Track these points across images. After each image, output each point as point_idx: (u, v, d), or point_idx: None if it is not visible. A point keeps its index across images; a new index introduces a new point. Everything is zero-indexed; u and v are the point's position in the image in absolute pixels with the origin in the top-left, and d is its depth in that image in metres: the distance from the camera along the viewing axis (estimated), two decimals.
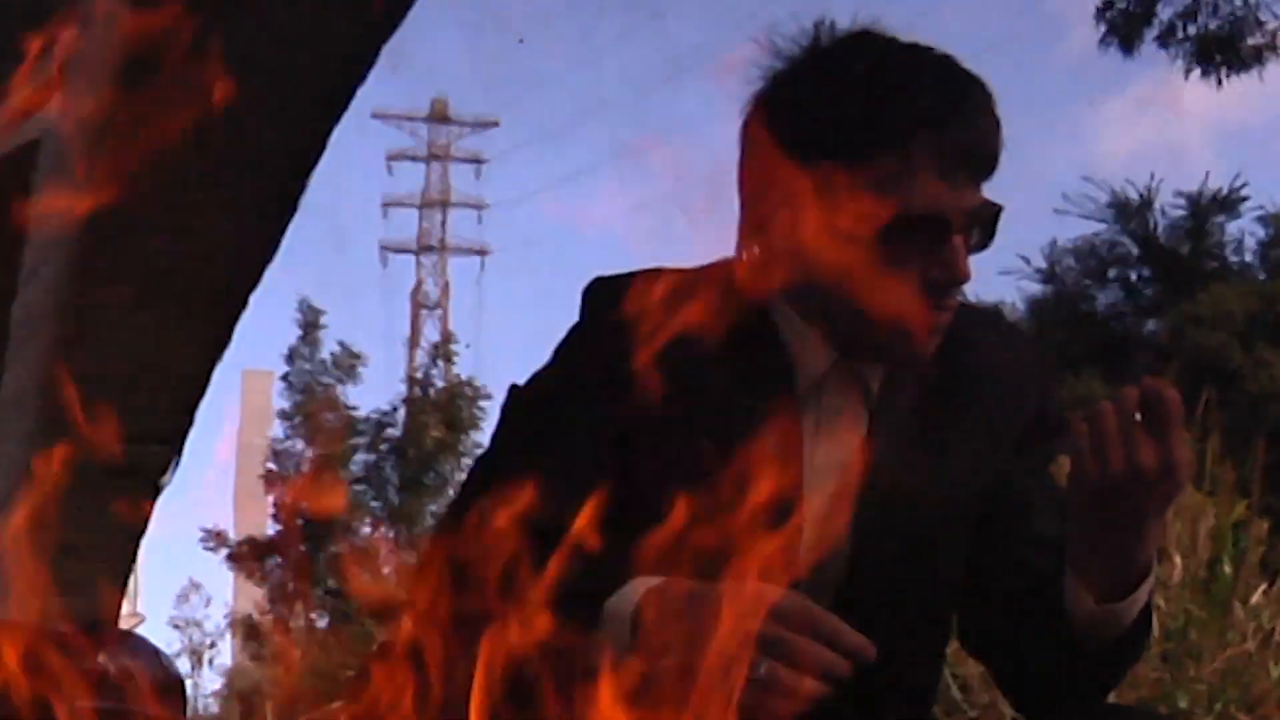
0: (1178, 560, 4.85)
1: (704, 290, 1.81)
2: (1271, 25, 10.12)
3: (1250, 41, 10.05)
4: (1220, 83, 10.12)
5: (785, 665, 1.54)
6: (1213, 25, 10.10)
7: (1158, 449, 1.66)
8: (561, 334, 1.94)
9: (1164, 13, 10.27)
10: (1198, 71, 10.15)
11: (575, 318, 1.94)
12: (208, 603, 23.95)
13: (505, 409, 1.93)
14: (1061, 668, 1.81)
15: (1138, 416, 1.68)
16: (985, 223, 1.82)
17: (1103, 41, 10.52)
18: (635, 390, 1.77)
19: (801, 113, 1.81)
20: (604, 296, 1.86)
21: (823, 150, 1.77)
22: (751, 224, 1.86)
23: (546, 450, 1.83)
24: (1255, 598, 4.79)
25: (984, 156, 1.81)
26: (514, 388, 1.92)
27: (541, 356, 1.94)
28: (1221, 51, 9.97)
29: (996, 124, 1.81)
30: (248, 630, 23.86)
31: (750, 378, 1.83)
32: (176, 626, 24.48)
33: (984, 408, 1.90)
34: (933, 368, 1.87)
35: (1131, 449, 1.66)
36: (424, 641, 1.64)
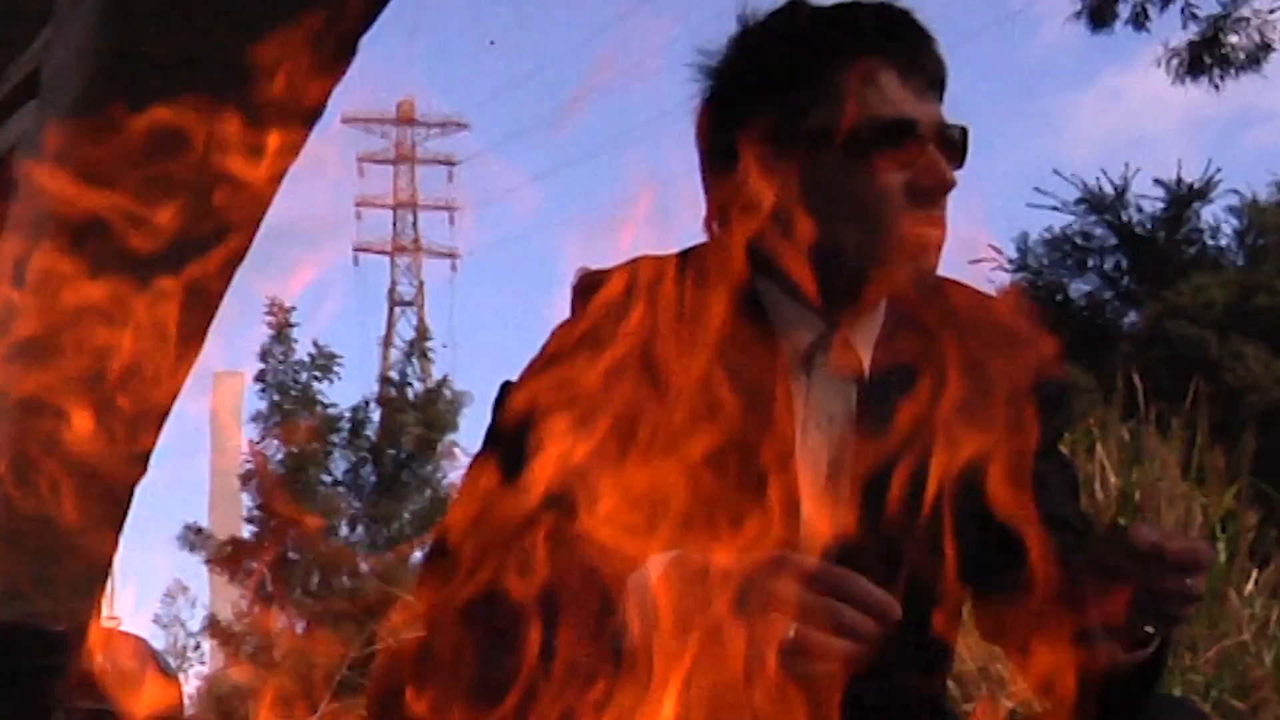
0: None
1: (686, 274, 1.82)
2: (1255, 21, 10.09)
3: (1235, 40, 10.01)
4: (1216, 87, 10.10)
5: (814, 628, 1.52)
6: (1194, 29, 10.08)
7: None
8: (537, 331, 1.94)
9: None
10: (1187, 77, 10.12)
11: (545, 316, 1.94)
12: (194, 604, 23.93)
13: (498, 405, 1.90)
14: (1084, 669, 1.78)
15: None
16: (955, 141, 1.84)
17: (1076, 16, 10.50)
18: (626, 377, 1.76)
19: (756, 58, 1.86)
20: (592, 287, 1.86)
21: (783, 87, 1.82)
22: (720, 202, 1.89)
23: (546, 446, 1.80)
24: (1248, 587, 4.79)
25: (936, 67, 1.86)
26: (507, 384, 1.89)
27: (518, 356, 1.94)
28: (1210, 55, 9.94)
29: (938, 47, 1.87)
30: (224, 634, 23.79)
31: (737, 354, 1.80)
32: (163, 626, 24.45)
33: (978, 379, 1.87)
34: (926, 340, 1.87)
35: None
36: (438, 640, 1.63)
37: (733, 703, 1.54)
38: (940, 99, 1.86)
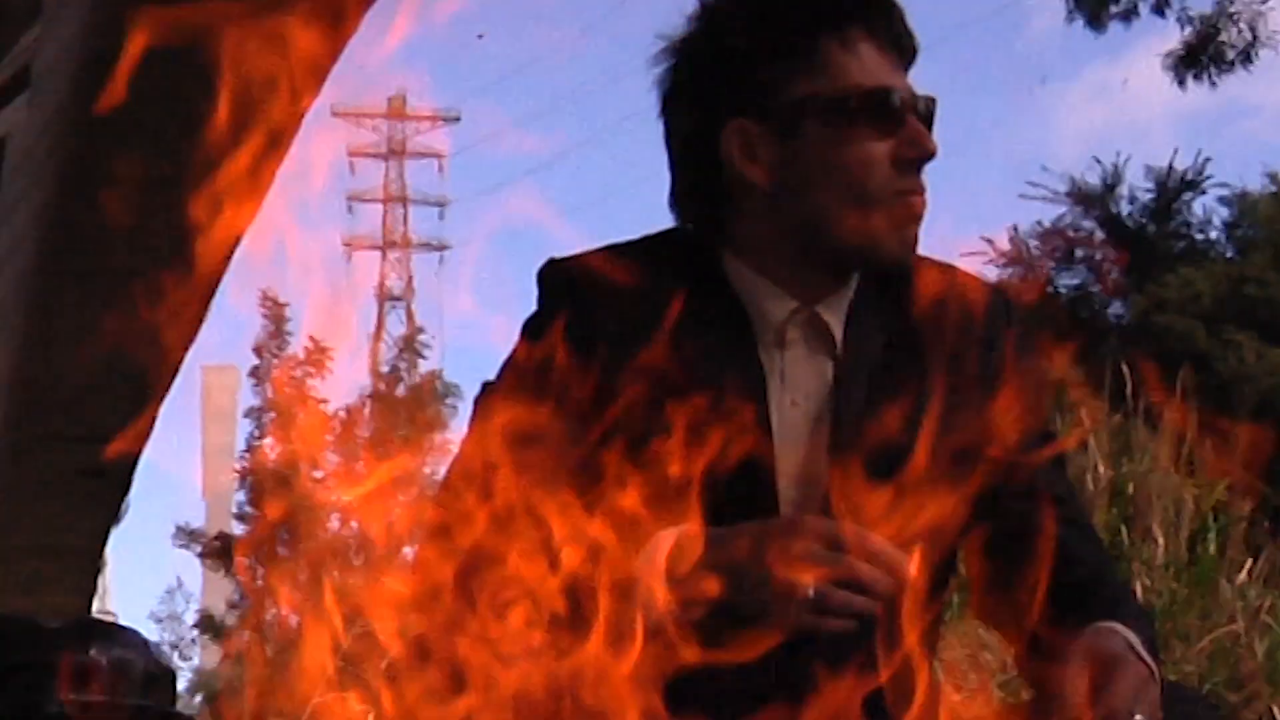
0: (1160, 541, 4.86)
1: (654, 258, 1.84)
2: (1247, 16, 10.08)
3: (1227, 38, 10.02)
4: (1214, 84, 10.11)
5: (834, 585, 1.57)
6: (1186, 29, 10.08)
7: None
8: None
9: None
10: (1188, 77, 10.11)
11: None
12: (189, 600, 23.94)
13: (479, 403, 1.90)
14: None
15: None
16: (928, 113, 1.85)
17: (1070, 15, 10.50)
18: (600, 363, 1.77)
19: (730, 33, 1.84)
20: (558, 276, 1.87)
21: (761, 61, 1.81)
22: (689, 181, 1.88)
23: (527, 436, 1.79)
24: (1240, 577, 4.80)
25: (909, 39, 1.87)
26: (487, 384, 1.89)
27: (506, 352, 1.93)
28: (1206, 53, 9.95)
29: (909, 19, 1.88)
30: (216, 630, 23.79)
31: (709, 335, 1.82)
32: (158, 620, 24.46)
33: (951, 353, 1.88)
34: (896, 314, 1.88)
35: None
36: (438, 643, 1.64)
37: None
38: (911, 64, 1.88)
